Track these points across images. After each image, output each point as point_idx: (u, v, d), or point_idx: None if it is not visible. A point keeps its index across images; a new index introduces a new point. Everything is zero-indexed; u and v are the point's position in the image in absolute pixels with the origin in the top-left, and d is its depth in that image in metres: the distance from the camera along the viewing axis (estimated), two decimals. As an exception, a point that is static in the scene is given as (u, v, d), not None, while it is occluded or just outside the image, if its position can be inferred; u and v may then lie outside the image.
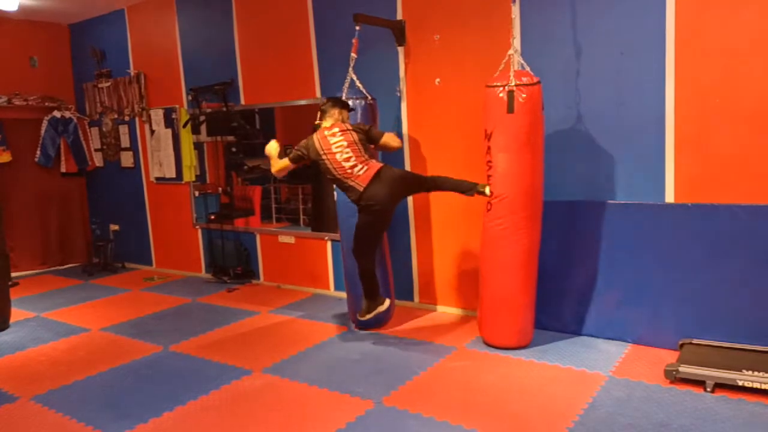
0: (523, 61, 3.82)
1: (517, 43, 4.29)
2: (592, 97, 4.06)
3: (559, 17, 4.05)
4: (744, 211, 3.58)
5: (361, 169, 3.90)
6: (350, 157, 3.92)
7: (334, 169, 3.93)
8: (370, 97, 4.47)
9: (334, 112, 4.11)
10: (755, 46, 3.52)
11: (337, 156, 3.92)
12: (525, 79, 3.65)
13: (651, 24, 3.80)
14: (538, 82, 3.69)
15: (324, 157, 3.95)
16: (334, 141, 3.96)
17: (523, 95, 3.61)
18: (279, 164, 4.09)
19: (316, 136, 4.03)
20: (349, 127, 4.05)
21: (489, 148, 3.80)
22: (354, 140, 3.98)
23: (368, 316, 4.19)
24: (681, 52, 3.73)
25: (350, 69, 4.41)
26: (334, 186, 4.28)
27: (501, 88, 3.66)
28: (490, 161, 3.81)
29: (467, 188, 4.02)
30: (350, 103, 4.31)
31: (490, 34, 4.41)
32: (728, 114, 3.64)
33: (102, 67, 7.23)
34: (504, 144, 3.72)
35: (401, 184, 3.99)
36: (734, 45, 3.58)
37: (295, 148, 4.07)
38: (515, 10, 3.78)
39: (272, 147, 4.11)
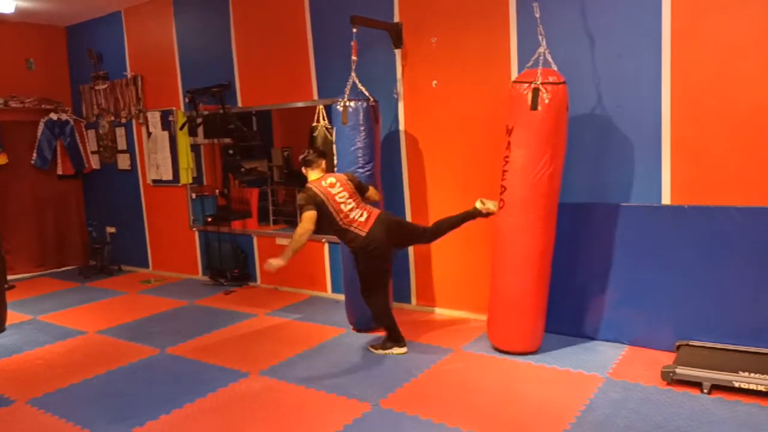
0: (551, 60, 3.77)
1: (514, 45, 4.32)
2: (588, 99, 4.07)
3: (556, 20, 4.06)
4: (739, 213, 3.59)
5: (362, 215, 4.02)
6: (353, 207, 4.03)
7: (340, 219, 3.98)
8: (372, 99, 4.49)
9: (321, 162, 4.18)
10: (751, 50, 3.54)
11: (342, 206, 4.00)
12: (551, 78, 3.64)
13: (648, 26, 3.81)
14: (564, 82, 3.67)
15: (328, 205, 3.98)
16: (335, 192, 4.02)
17: (548, 94, 3.60)
18: (304, 222, 3.86)
19: (315, 188, 4.03)
20: (344, 178, 4.13)
21: (509, 143, 3.77)
22: (353, 191, 4.09)
23: (382, 353, 4.11)
24: (677, 54, 3.74)
25: (352, 72, 4.43)
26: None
27: (526, 85, 3.65)
28: (507, 156, 3.78)
29: (467, 216, 4.13)
30: (352, 104, 4.35)
31: (487, 37, 4.42)
32: (724, 116, 3.65)
33: (99, 70, 7.21)
34: (524, 140, 3.69)
35: (398, 228, 4.14)
36: (730, 48, 3.59)
37: (302, 203, 3.97)
38: (537, 10, 3.77)
39: (274, 262, 3.83)
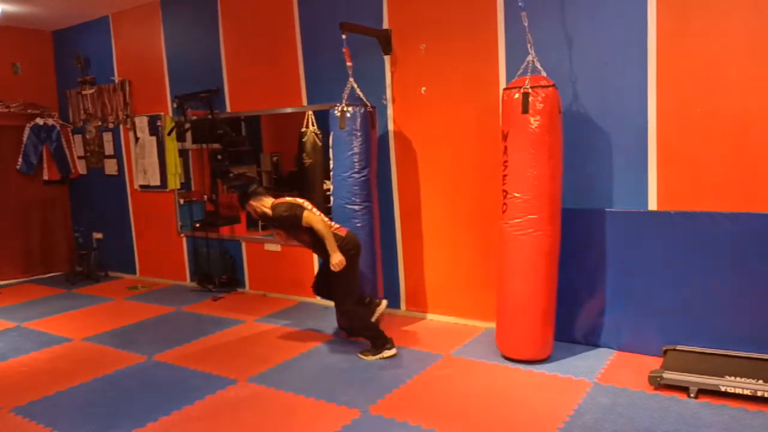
0: (540, 68, 3.86)
1: (502, 52, 4.35)
2: (575, 106, 4.11)
3: (543, 28, 4.09)
4: (725, 219, 3.64)
5: (336, 225, 4.26)
6: (330, 218, 4.28)
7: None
8: (369, 105, 4.51)
9: (268, 194, 4.34)
10: (735, 58, 3.59)
11: (314, 211, 4.19)
12: (542, 82, 3.73)
13: (633, 34, 3.85)
14: (554, 85, 3.74)
15: (309, 208, 4.17)
16: (301, 202, 4.22)
17: (539, 97, 3.66)
18: (311, 219, 4.04)
19: (287, 200, 4.19)
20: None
21: (505, 148, 3.83)
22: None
23: (372, 358, 4.10)
24: (663, 62, 3.79)
25: (350, 78, 4.49)
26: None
27: (517, 90, 3.73)
28: (506, 161, 3.83)
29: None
30: (350, 109, 4.39)
31: (476, 45, 4.45)
32: (710, 123, 3.69)
33: (86, 74, 7.17)
34: (520, 144, 3.74)
35: (359, 253, 4.27)
36: (715, 56, 3.64)
37: (288, 211, 4.08)
38: (525, 18, 3.82)
39: (336, 259, 3.98)
